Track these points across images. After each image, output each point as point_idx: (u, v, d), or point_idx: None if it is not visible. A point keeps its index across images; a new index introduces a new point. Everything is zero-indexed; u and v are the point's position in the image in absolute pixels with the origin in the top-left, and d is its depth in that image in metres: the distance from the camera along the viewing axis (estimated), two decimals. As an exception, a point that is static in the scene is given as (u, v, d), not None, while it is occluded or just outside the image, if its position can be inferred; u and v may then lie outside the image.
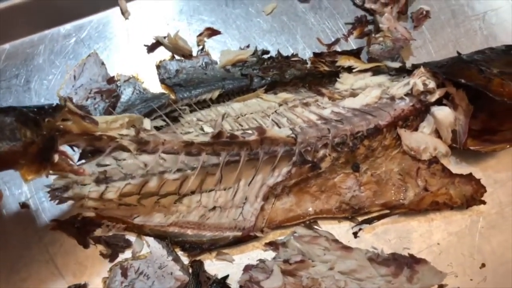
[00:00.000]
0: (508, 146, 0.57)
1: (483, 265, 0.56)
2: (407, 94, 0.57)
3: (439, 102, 0.57)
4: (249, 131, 0.51)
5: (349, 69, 0.59)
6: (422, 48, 0.65)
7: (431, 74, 0.56)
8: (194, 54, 0.62)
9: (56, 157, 0.43)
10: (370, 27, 0.65)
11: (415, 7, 0.67)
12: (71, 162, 0.46)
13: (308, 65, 0.59)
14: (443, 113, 0.56)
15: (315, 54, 0.60)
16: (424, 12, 0.66)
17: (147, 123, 0.52)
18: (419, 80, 0.55)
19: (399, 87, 0.57)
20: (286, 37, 0.64)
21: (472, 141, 0.58)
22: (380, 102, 0.57)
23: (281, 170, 0.54)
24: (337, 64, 0.59)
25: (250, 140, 0.50)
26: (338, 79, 0.59)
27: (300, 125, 0.55)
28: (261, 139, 0.51)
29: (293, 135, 0.52)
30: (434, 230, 0.57)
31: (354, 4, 0.66)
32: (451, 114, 0.56)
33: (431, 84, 0.55)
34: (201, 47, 0.62)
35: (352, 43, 0.64)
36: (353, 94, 0.58)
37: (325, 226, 0.57)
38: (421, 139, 0.56)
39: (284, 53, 0.61)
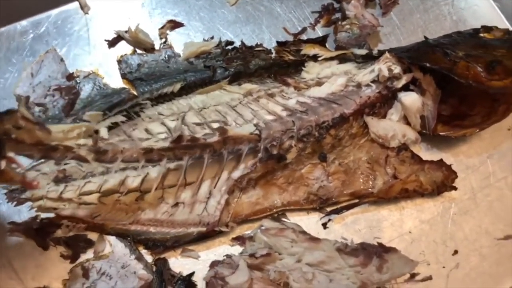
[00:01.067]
0: (477, 130, 0.56)
1: (456, 252, 0.55)
2: (373, 81, 0.55)
3: (406, 88, 0.56)
4: (210, 132, 0.50)
5: (315, 58, 0.58)
6: (391, 35, 0.64)
7: (397, 60, 0.55)
8: (157, 47, 0.60)
9: (3, 164, 0.42)
10: (338, 15, 0.64)
11: (383, -7, 0.66)
12: (22, 170, 0.45)
13: (273, 55, 0.58)
14: (410, 99, 0.54)
15: (279, 43, 0.59)
16: (392, -2, 0.65)
17: (104, 132, 0.51)
18: (384, 66, 0.54)
19: (365, 74, 0.55)
20: (252, 28, 0.62)
21: (442, 126, 0.57)
22: (346, 90, 0.56)
23: (246, 163, 0.52)
24: (302, 52, 0.58)
25: (212, 142, 0.49)
26: (303, 68, 0.57)
27: (264, 120, 0.53)
28: (223, 139, 0.50)
29: (257, 132, 0.51)
30: (405, 218, 0.56)
31: (321, -8, 0.65)
32: (419, 99, 0.54)
33: (397, 70, 0.54)
34: (163, 40, 0.60)
35: (319, 32, 0.63)
36: (319, 83, 0.56)
37: (294, 218, 0.55)
38: (389, 126, 0.55)
39: (250, 44, 0.60)
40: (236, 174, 0.52)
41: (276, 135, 0.52)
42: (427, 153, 0.59)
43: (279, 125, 0.53)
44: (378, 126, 0.54)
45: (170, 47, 0.60)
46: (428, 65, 0.52)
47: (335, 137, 0.54)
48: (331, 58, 0.58)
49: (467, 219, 0.56)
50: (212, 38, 0.61)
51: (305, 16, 0.64)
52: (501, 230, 0.56)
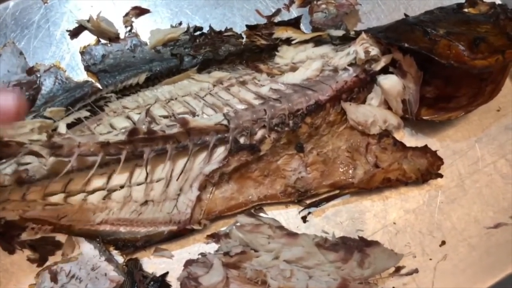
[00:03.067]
0: (463, 113, 0.52)
1: (443, 242, 0.52)
2: (350, 64, 0.52)
3: (386, 71, 0.52)
4: (173, 123, 0.47)
5: (288, 41, 0.54)
6: (371, 13, 0.60)
7: (374, 40, 0.51)
8: (123, 36, 0.57)
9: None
10: (315, -6, 0.60)
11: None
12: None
13: (244, 40, 0.54)
14: (390, 82, 0.51)
15: (249, 27, 0.55)
16: (372, -26, 0.61)
17: (62, 127, 0.48)
18: (361, 48, 0.50)
19: (341, 57, 0.52)
20: (222, 11, 0.58)
21: (426, 110, 0.54)
22: (322, 75, 0.53)
23: (217, 157, 0.50)
24: (274, 36, 0.54)
25: (173, 134, 0.46)
26: (277, 53, 0.54)
27: (234, 108, 0.50)
28: (187, 131, 0.47)
29: (224, 122, 0.48)
30: (389, 208, 0.53)
31: (297, -29, 0.61)
32: (399, 82, 0.51)
33: (374, 51, 0.50)
34: (129, 28, 0.57)
35: (295, 13, 0.59)
36: (294, 68, 0.53)
37: (272, 212, 0.53)
38: (369, 112, 0.51)
39: (220, 29, 0.56)
40: (208, 169, 0.49)
41: (246, 124, 0.49)
42: (411, 139, 0.55)
43: (249, 114, 0.50)
44: (356, 112, 0.51)
45: (136, 35, 0.56)
46: (406, 45, 0.48)
47: (311, 125, 0.51)
48: (306, 41, 0.54)
49: (455, 208, 0.53)
50: (180, 24, 0.57)
51: (280, -4, 0.60)
52: (491, 218, 0.53)
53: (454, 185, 0.54)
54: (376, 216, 0.53)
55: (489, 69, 0.48)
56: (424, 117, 0.53)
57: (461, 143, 0.56)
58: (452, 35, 0.48)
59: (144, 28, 0.57)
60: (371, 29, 0.53)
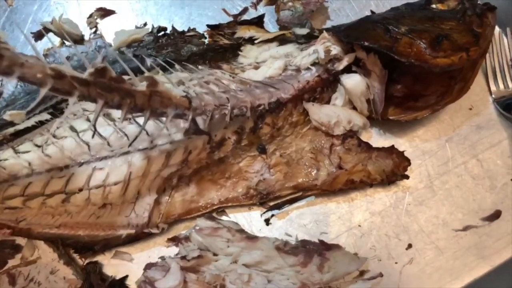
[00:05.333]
0: (429, 112, 0.51)
1: (410, 245, 0.51)
2: (313, 64, 0.51)
3: (350, 70, 0.51)
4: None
5: (252, 41, 0.53)
6: (340, 11, 0.59)
7: (336, 39, 0.50)
8: (88, 37, 0.56)
9: None
10: (284, -8, 0.59)
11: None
12: None
13: (206, 40, 0.54)
14: (353, 82, 0.50)
15: (210, 27, 0.54)
16: (342, -29, 0.60)
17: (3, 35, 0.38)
18: (322, 47, 0.49)
19: (303, 57, 0.51)
20: (189, 11, 0.58)
21: (394, 109, 0.52)
22: (285, 74, 0.51)
23: (176, 159, 0.49)
24: (237, 35, 0.53)
25: (137, 91, 0.41)
26: (240, 52, 0.53)
27: (195, 90, 0.48)
28: (150, 94, 0.42)
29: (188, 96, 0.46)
30: (354, 210, 0.52)
31: (264, -32, 0.60)
32: (362, 81, 0.50)
33: (335, 50, 0.49)
34: (93, 29, 0.57)
35: (262, 11, 0.58)
36: (257, 68, 0.52)
37: (235, 215, 0.52)
38: (332, 112, 0.50)
39: (187, 29, 0.56)
40: (166, 171, 0.49)
41: (207, 108, 0.46)
42: (379, 139, 0.54)
43: (212, 98, 0.47)
44: (319, 112, 0.50)
45: (101, 36, 0.56)
46: (366, 43, 0.47)
47: (273, 126, 0.50)
48: (270, 40, 0.53)
49: (423, 210, 0.52)
50: (145, 24, 0.57)
51: (249, -5, 0.59)
52: (460, 220, 0.52)
53: (422, 186, 0.53)
54: (341, 218, 0.52)
55: (452, 68, 0.47)
56: (391, 117, 0.52)
57: (431, 143, 0.54)
58: (414, 33, 0.46)
59: (110, 29, 0.57)
60: (334, 27, 0.51)
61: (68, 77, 0.36)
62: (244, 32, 0.53)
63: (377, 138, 0.54)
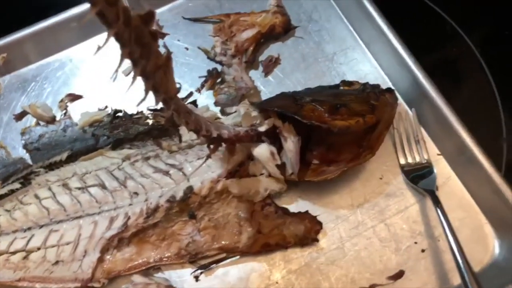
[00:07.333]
0: (338, 172, 0.58)
1: (321, 302, 0.57)
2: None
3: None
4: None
5: (188, 121, 0.64)
6: (272, 94, 0.68)
7: (255, 107, 0.59)
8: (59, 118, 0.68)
9: None
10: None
11: (267, 55, 0.72)
12: None
13: (151, 120, 0.64)
14: (259, 149, 0.57)
15: (151, 110, 0.65)
16: (274, 59, 0.70)
17: None
18: (242, 108, 0.58)
19: (227, 119, 0.61)
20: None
21: (311, 173, 0.59)
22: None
23: (118, 223, 0.58)
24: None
25: (157, 53, 0.37)
26: (178, 130, 0.63)
27: (139, 182, 0.59)
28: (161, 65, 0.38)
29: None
30: (274, 268, 0.59)
31: (208, 58, 0.71)
32: (267, 149, 0.57)
33: (254, 113, 0.57)
34: (64, 111, 0.68)
35: (205, 95, 0.69)
36: (191, 145, 0.62)
37: (169, 272, 0.60)
38: (250, 184, 0.59)
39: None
40: (108, 233, 0.58)
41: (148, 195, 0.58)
42: (298, 205, 0.62)
43: (149, 184, 0.58)
44: (238, 186, 0.59)
45: (69, 117, 0.68)
46: (276, 109, 0.55)
47: (200, 196, 0.59)
48: (202, 120, 0.63)
49: (334, 269, 0.59)
50: (106, 107, 0.68)
51: (194, 81, 0.70)
52: (367, 279, 0.58)
53: (334, 248, 0.60)
54: (262, 276, 0.59)
55: (348, 130, 0.54)
56: (307, 179, 0.59)
57: (344, 209, 0.62)
58: (317, 102, 0.55)
59: (80, 110, 0.68)
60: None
61: (120, 6, 0.33)
62: (180, 114, 0.63)
63: (297, 204, 0.62)
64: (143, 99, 0.38)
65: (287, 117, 0.57)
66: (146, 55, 0.35)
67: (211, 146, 0.53)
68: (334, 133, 0.55)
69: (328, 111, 0.55)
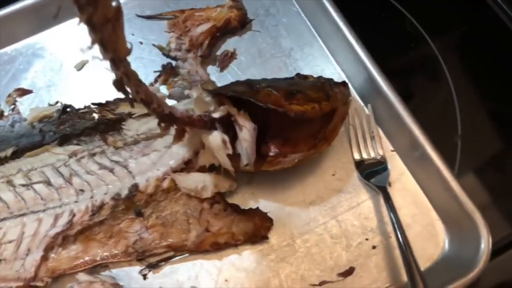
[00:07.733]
0: (295, 161, 0.57)
1: (270, 300, 0.57)
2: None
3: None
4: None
5: (131, 115, 0.62)
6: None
7: (208, 93, 0.57)
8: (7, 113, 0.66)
9: None
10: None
11: (223, 49, 0.71)
12: None
13: (97, 115, 0.63)
14: (211, 137, 0.55)
15: (97, 104, 0.63)
16: (229, 54, 0.69)
17: None
18: (195, 92, 0.56)
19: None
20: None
21: (267, 164, 0.58)
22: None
23: (62, 220, 0.57)
24: (117, 111, 0.62)
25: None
26: (123, 126, 0.62)
27: (84, 179, 0.58)
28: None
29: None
30: (223, 266, 0.58)
31: (163, 54, 0.70)
32: (218, 137, 0.55)
33: (207, 98, 0.56)
34: (12, 106, 0.66)
35: (160, 88, 0.68)
36: (136, 141, 0.61)
37: (116, 270, 0.58)
38: (199, 178, 0.58)
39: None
40: (53, 231, 0.56)
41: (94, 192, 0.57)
42: (251, 201, 0.61)
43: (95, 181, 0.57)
44: (186, 180, 0.58)
45: (18, 112, 0.66)
46: (230, 93, 0.54)
47: (146, 194, 0.58)
48: (148, 114, 0.62)
49: (284, 266, 0.58)
50: (57, 102, 0.66)
51: (149, 75, 0.69)
52: (317, 276, 0.58)
53: (285, 245, 0.59)
54: (211, 273, 0.58)
55: (304, 115, 0.53)
56: (263, 169, 0.58)
57: (296, 205, 0.61)
58: (273, 87, 0.54)
59: (29, 104, 0.66)
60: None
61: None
62: (124, 108, 0.62)
63: (249, 200, 0.61)
64: (89, 47, 0.34)
65: (242, 104, 0.55)
66: (93, 1, 0.32)
67: (162, 125, 0.50)
68: (290, 122, 0.54)
69: (284, 96, 0.54)
